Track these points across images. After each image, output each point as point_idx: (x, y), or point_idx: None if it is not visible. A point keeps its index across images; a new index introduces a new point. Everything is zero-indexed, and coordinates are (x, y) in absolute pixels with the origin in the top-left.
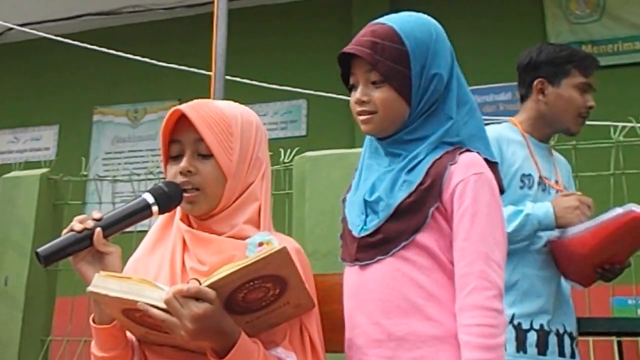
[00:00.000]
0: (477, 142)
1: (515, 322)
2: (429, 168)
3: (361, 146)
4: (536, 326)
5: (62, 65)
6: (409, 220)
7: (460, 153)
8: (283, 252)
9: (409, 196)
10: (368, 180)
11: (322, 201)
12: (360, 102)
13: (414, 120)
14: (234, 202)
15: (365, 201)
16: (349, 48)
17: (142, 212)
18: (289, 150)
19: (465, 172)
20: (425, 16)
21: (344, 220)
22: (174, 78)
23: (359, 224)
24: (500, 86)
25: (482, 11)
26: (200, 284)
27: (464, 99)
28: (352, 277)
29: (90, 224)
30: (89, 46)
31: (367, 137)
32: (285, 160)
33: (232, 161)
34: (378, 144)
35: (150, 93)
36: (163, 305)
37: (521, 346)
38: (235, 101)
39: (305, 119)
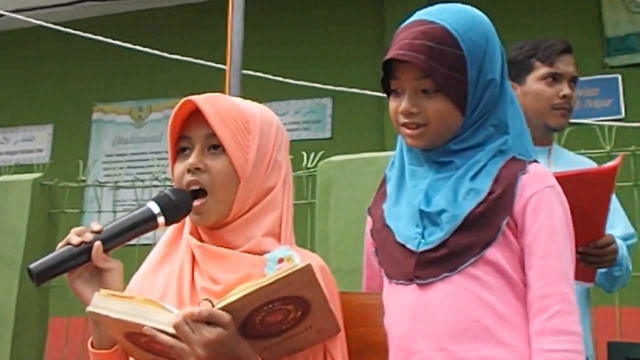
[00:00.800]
0: (523, 141)
1: None
2: (497, 176)
3: (393, 149)
4: None
5: (58, 57)
6: (478, 233)
7: (529, 162)
8: (306, 271)
9: (478, 206)
10: (417, 188)
11: (349, 212)
12: (409, 114)
13: (466, 130)
14: (250, 209)
15: (422, 211)
16: (400, 54)
17: (147, 223)
18: (312, 154)
19: (540, 183)
20: (476, 11)
21: (383, 232)
22: (184, 72)
23: (414, 237)
24: None
25: (533, 1)
26: (213, 306)
27: (512, 98)
28: (409, 297)
29: (88, 236)
30: (88, 35)
31: (402, 141)
32: (308, 166)
33: (247, 161)
34: (419, 152)
35: (157, 89)
36: (171, 330)
37: None
38: (253, 98)
39: (330, 119)
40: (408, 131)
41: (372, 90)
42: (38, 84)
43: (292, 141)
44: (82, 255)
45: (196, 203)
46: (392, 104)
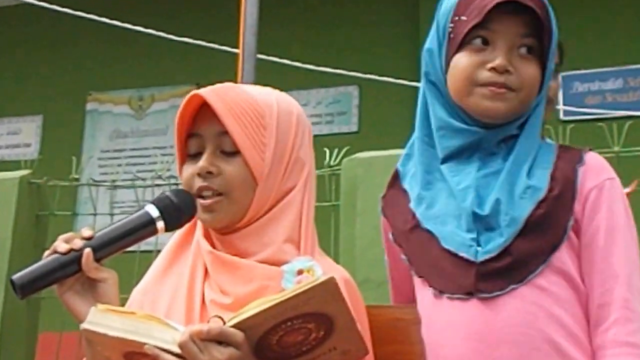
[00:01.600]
0: None
1: None
2: (553, 171)
3: None
4: None
5: (48, 40)
6: (542, 237)
7: (585, 152)
8: (330, 284)
9: (538, 206)
10: (462, 186)
11: (378, 215)
12: (504, 70)
13: (530, 110)
14: (266, 213)
15: (475, 214)
16: (526, 0)
17: (144, 228)
18: (335, 150)
19: (598, 176)
20: None
21: (419, 237)
22: (191, 57)
23: (469, 244)
24: (607, 71)
25: None
26: (224, 323)
27: None
28: (466, 313)
29: (78, 243)
30: (82, 15)
31: (432, 128)
32: (332, 163)
33: (264, 160)
34: (472, 135)
35: (160, 75)
36: (177, 349)
37: None
38: (269, 87)
39: (356, 110)
40: (489, 91)
41: (405, 78)
42: (25, 70)
43: (314, 136)
44: (71, 265)
45: (207, 201)
46: (473, 57)
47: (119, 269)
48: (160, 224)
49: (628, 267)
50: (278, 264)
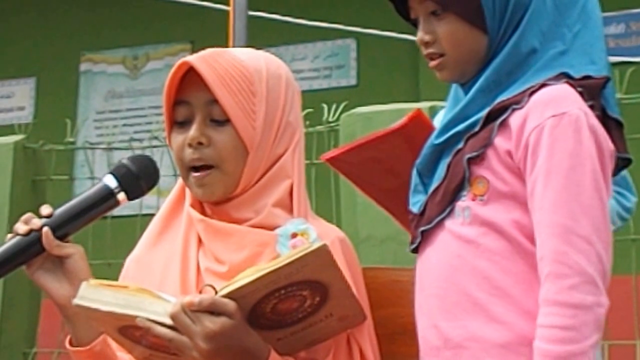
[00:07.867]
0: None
1: None
2: None
3: (428, 98)
4: None
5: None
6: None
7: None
8: (322, 251)
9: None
10: None
11: None
12: (424, 43)
13: (500, 49)
14: (258, 181)
15: None
16: None
17: (105, 202)
18: (334, 106)
19: (540, 115)
20: None
21: None
22: (185, 14)
23: None
24: (610, 15)
25: None
26: (216, 292)
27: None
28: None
29: (36, 223)
30: None
31: None
32: (330, 119)
33: (255, 129)
34: None
35: (154, 34)
36: (169, 321)
37: None
38: (263, 44)
39: (354, 63)
40: (431, 63)
41: (403, 31)
42: (16, 32)
43: (311, 91)
44: (33, 245)
45: (199, 174)
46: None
47: (121, 233)
48: (120, 195)
49: (568, 215)
50: (270, 228)
